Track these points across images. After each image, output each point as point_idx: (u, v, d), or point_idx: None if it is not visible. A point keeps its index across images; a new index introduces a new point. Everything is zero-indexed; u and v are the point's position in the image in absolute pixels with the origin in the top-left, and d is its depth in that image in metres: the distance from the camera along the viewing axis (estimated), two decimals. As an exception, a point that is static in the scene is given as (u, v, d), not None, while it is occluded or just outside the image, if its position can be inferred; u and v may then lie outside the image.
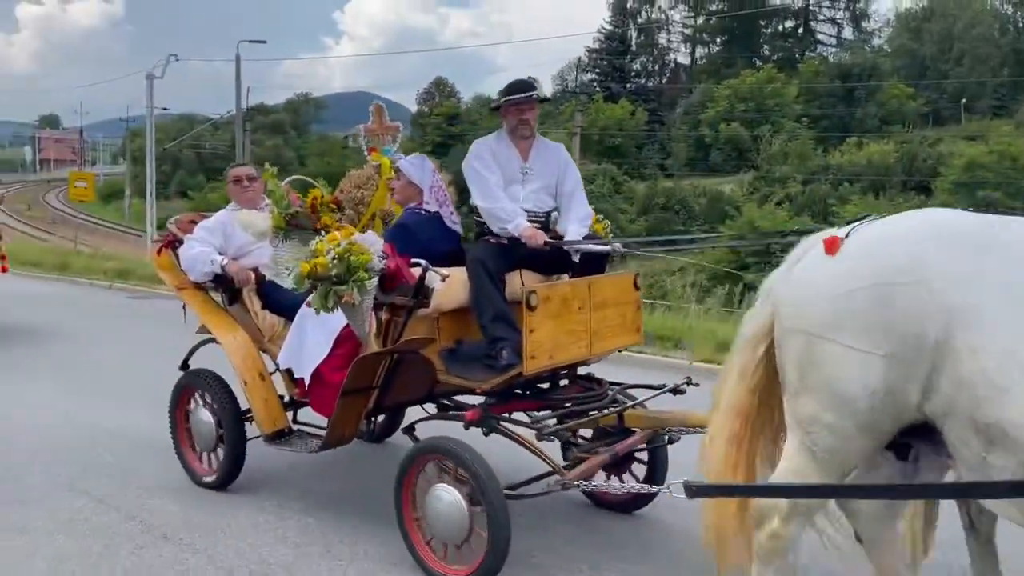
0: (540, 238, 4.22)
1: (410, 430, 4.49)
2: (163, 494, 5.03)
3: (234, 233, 5.13)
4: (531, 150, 4.58)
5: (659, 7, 64.11)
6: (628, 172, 49.64)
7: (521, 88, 4.54)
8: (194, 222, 5.41)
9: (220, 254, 4.99)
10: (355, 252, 3.92)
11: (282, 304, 4.93)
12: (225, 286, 5.05)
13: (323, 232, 4.51)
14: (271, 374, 4.89)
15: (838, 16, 65.11)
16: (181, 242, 5.20)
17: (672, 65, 65.97)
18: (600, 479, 4.34)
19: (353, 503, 4.91)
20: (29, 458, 5.70)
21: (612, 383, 4.57)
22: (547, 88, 59.93)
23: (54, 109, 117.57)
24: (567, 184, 4.62)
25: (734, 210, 38.59)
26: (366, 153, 5.32)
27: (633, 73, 63.38)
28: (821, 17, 65.47)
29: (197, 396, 5.10)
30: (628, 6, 63.39)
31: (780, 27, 65.42)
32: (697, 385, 4.38)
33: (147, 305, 14.15)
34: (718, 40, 62.64)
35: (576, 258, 4.42)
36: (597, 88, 59.49)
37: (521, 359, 3.96)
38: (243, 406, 4.87)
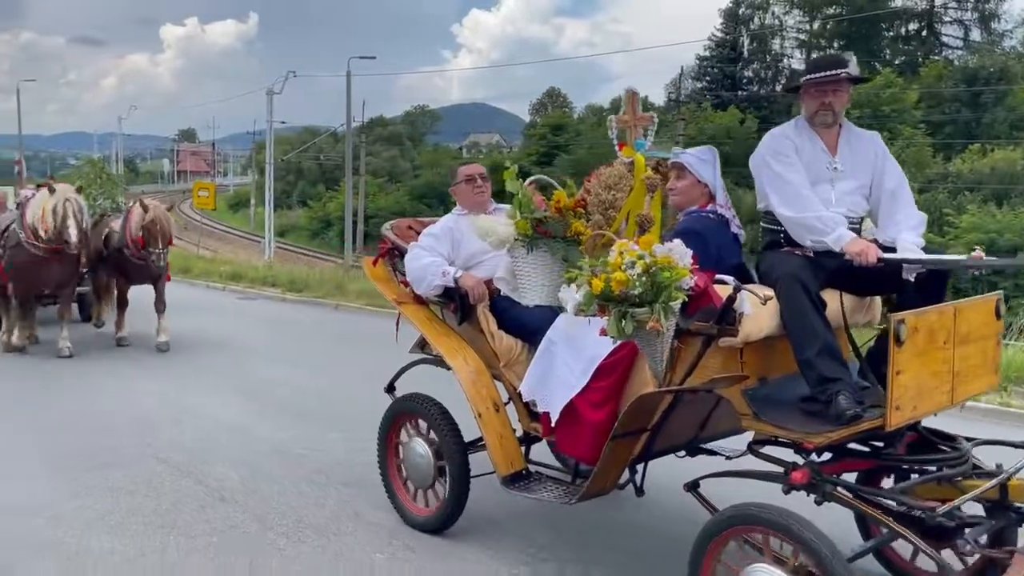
0: (872, 254, 3.38)
1: (694, 487, 3.65)
2: (228, 464, 5.74)
3: (463, 240, 4.53)
4: (839, 142, 3.75)
5: (772, 12, 62.71)
6: (737, 181, 48.88)
7: (827, 65, 3.69)
8: (412, 228, 4.92)
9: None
10: (664, 266, 3.20)
11: (522, 324, 4.23)
12: (457, 301, 4.38)
13: (575, 241, 4.09)
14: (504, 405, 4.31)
15: (965, 17, 61.84)
16: (400, 251, 4.70)
17: (787, 71, 64.33)
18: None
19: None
20: (125, 431, 6.59)
21: (967, 438, 3.56)
22: (659, 97, 59.68)
23: (192, 124, 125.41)
24: (888, 181, 3.72)
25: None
26: (616, 148, 4.47)
27: (744, 80, 62.21)
28: (947, 19, 62.39)
29: (411, 425, 4.63)
30: (740, 13, 62.29)
31: (903, 30, 62.80)
32: None
33: (253, 305, 15.39)
34: (835, 44, 60.66)
35: (911, 276, 3.44)
36: (707, 96, 58.75)
37: (862, 407, 3.17)
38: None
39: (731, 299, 3.20)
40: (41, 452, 6.10)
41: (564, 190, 4.30)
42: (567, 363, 3.80)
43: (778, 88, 62.98)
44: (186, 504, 5.03)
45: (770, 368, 3.49)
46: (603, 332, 3.38)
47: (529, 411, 4.15)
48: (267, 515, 4.86)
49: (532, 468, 4.22)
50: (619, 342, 3.50)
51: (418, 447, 4.50)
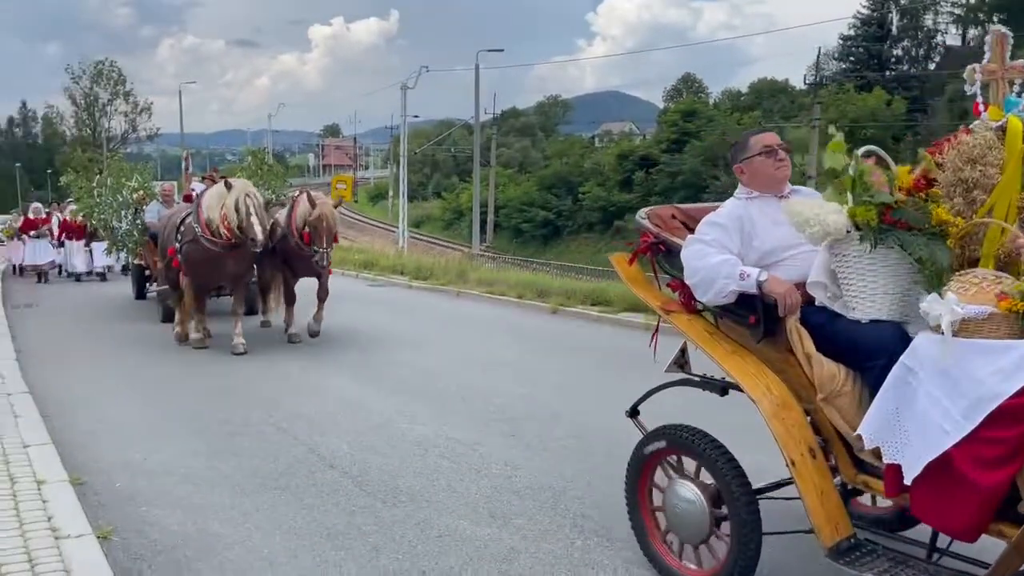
0: None
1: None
2: (341, 436, 6.22)
3: (755, 232, 3.56)
4: None
5: (925, -14, 58.98)
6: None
7: None
8: (677, 217, 4.00)
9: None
10: None
11: (852, 344, 3.22)
12: (760, 312, 3.42)
13: (938, 234, 3.03)
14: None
15: None
16: (667, 246, 3.78)
17: (941, 49, 60.33)
18: None
19: (490, 447, 5.78)
20: (255, 404, 7.23)
21: None
22: (798, 79, 57.36)
23: (336, 119, 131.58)
24: None
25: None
26: (982, 107, 3.36)
27: (892, 59, 58.86)
28: None
29: (673, 464, 3.72)
30: (889, -12, 58.97)
31: (1075, -2, 57.51)
32: None
33: (381, 291, 16.19)
34: (995, 18, 56.36)
35: None
36: (851, 77, 55.97)
37: None
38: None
39: None
40: (182, 422, 6.82)
41: (901, 166, 3.28)
42: (938, 401, 2.81)
43: (931, 67, 59.25)
44: (299, 469, 5.52)
45: None
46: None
47: (855, 459, 3.23)
48: (368, 482, 5.27)
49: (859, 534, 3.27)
50: None
51: (685, 492, 3.59)
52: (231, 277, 9.77)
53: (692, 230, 3.76)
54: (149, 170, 17.47)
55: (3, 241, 20.92)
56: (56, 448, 5.73)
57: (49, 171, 48.56)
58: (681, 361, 3.99)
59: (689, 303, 3.77)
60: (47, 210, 21.42)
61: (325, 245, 9.35)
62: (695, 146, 44.46)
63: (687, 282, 3.62)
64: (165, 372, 8.81)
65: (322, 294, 10.16)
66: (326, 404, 7.27)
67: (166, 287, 11.24)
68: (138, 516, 4.73)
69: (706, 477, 3.56)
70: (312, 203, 9.37)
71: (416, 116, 49.25)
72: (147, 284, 14.44)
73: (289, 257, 9.95)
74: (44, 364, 9.22)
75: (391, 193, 63.19)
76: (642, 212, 4.07)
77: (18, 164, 66.94)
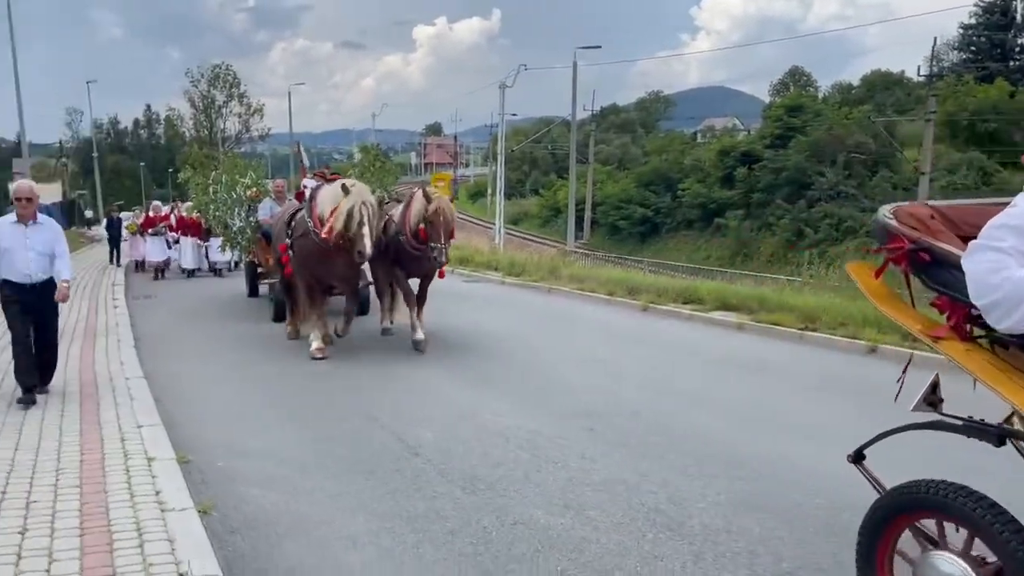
0: None
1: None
2: (427, 425, 6.46)
3: None
4: None
5: (1056, -31, 55.31)
6: (1002, 161, 43.86)
7: None
8: (935, 218, 3.15)
9: None
10: None
11: None
12: None
13: None
14: None
15: None
16: (933, 255, 2.97)
17: (1072, 35, 56.52)
18: None
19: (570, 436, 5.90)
20: (349, 395, 7.57)
21: None
22: (914, 71, 54.83)
23: (438, 118, 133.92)
24: None
25: None
26: None
27: (1016, 49, 55.53)
28: None
29: (928, 531, 3.01)
30: (1014, -28, 55.61)
31: None
32: None
33: (475, 287, 16.49)
34: None
35: None
36: (971, 67, 53.11)
37: None
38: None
39: None
40: (282, 409, 7.22)
41: None
42: None
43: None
44: (385, 456, 5.78)
45: None
46: None
47: None
48: (450, 470, 5.47)
49: None
50: None
51: (949, 568, 2.86)
52: (341, 278, 9.48)
53: (964, 236, 2.99)
54: (262, 167, 17.16)
55: (126, 238, 22.13)
56: (166, 429, 6.18)
57: (170, 170, 51.35)
58: (932, 399, 3.14)
59: (961, 328, 2.95)
60: (166, 207, 22.62)
61: (443, 241, 8.96)
62: (800, 141, 43.05)
63: (976, 302, 2.75)
64: (268, 362, 9.29)
65: (420, 301, 9.88)
66: (415, 395, 7.54)
67: (276, 281, 11.42)
68: (236, 494, 5.07)
69: (983, 553, 2.79)
70: (428, 198, 9.06)
71: (514, 114, 49.75)
72: (259, 281, 14.60)
73: (401, 256, 9.60)
74: (159, 352, 9.87)
75: (489, 191, 64.05)
76: (886, 211, 3.22)
77: (142, 164, 71.05)
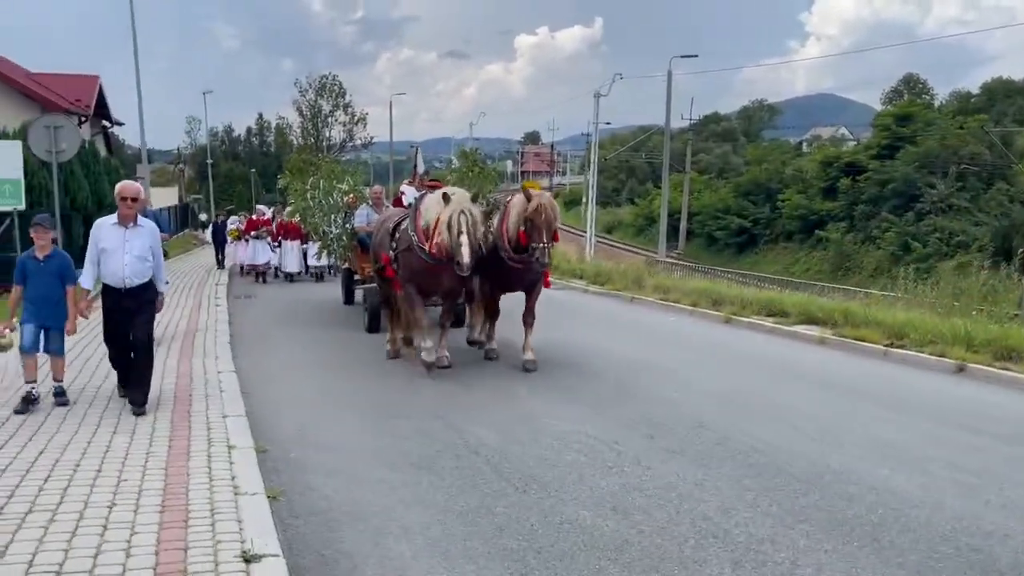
0: None
1: None
2: (489, 426, 6.67)
3: None
4: None
5: None
6: None
7: None
8: None
9: None
10: None
11: None
12: None
13: None
14: None
15: None
16: None
17: None
18: None
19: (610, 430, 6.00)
20: (416, 391, 7.90)
21: None
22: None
23: (537, 126, 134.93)
24: None
25: None
26: None
27: None
28: None
29: None
30: None
31: None
32: None
33: (559, 294, 16.60)
34: None
35: None
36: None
37: None
38: None
39: None
40: (355, 405, 7.58)
41: None
42: None
43: None
44: (447, 452, 6.02)
45: None
46: None
47: None
48: (506, 469, 5.65)
49: None
50: None
51: None
52: (446, 292, 9.05)
53: None
54: (361, 172, 17.41)
55: (230, 243, 22.94)
56: (248, 420, 6.60)
57: (277, 176, 53.47)
58: None
59: None
60: (269, 212, 23.01)
61: (545, 240, 8.27)
62: (909, 152, 41.34)
63: None
64: (350, 363, 9.69)
65: (528, 318, 9.20)
66: (481, 397, 7.77)
67: (372, 286, 11.18)
68: (304, 482, 5.40)
69: None
70: (528, 196, 8.46)
71: (608, 123, 49.62)
72: (354, 287, 14.24)
73: (498, 267, 8.94)
74: (251, 348, 10.45)
75: (584, 199, 64.13)
76: None
77: (253, 170, 74.27)
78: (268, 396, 7.81)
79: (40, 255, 6.93)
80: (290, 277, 20.34)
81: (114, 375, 7.35)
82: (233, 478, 5.17)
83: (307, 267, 20.44)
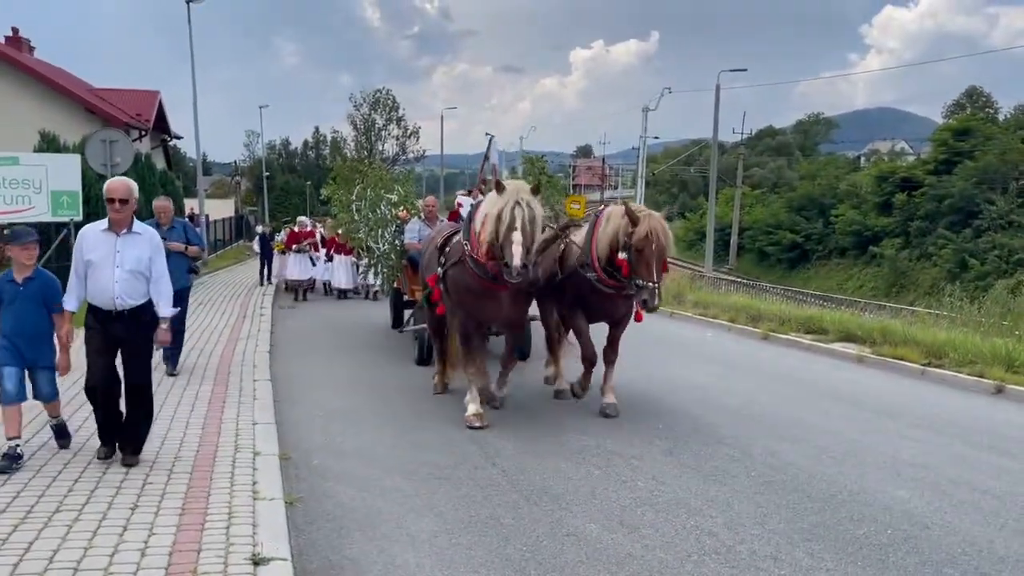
0: None
1: None
2: (509, 438, 6.76)
3: None
4: None
5: None
6: None
7: None
8: None
9: None
10: None
11: None
12: None
13: None
14: None
15: None
16: None
17: None
18: None
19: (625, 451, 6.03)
20: (439, 403, 8.00)
21: None
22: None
23: (589, 140, 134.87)
24: None
25: None
26: None
27: None
28: None
29: None
30: None
31: None
32: None
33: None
34: None
35: None
36: None
37: None
38: None
39: None
40: (380, 415, 7.72)
41: None
42: None
43: None
44: (464, 463, 6.12)
45: None
46: None
47: None
48: (521, 481, 5.73)
49: None
50: None
51: None
52: (505, 320, 7.34)
53: None
54: (412, 180, 14.66)
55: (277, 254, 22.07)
56: (277, 428, 6.80)
57: (320, 189, 54.22)
58: None
59: None
60: (311, 224, 21.27)
61: (655, 278, 6.67)
62: (967, 167, 40.22)
63: None
64: (384, 377, 9.86)
65: (610, 355, 7.74)
66: (507, 408, 7.83)
67: (423, 326, 9.57)
68: (322, 489, 5.55)
69: None
70: (634, 217, 6.78)
71: (656, 137, 49.31)
72: (404, 313, 12.00)
73: (583, 293, 7.45)
74: (290, 358, 10.71)
75: (634, 213, 63.96)
76: None
77: (308, 182, 75.73)
78: (300, 404, 8.01)
79: (19, 277, 5.54)
80: (343, 294, 19.26)
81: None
82: (254, 484, 5.34)
83: (357, 284, 19.15)
